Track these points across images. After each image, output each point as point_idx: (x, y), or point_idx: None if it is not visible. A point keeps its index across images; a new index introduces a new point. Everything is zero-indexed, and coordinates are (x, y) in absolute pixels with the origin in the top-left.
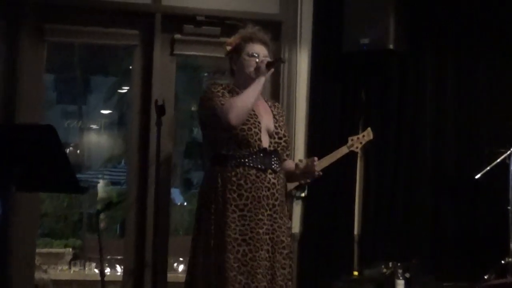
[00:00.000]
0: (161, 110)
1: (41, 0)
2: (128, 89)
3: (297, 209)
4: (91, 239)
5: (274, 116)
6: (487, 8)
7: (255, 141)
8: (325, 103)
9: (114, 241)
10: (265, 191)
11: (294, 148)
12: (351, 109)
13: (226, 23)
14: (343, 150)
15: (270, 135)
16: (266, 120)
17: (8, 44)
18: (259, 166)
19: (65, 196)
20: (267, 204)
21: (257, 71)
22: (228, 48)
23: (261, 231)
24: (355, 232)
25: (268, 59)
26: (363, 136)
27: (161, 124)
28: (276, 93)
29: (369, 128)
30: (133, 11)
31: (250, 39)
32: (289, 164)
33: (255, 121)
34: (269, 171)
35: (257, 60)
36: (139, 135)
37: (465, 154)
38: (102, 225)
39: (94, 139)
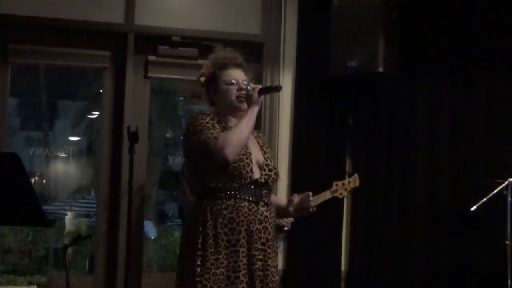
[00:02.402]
0: (134, 137)
1: (4, 19)
2: (98, 114)
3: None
4: (57, 276)
5: (261, 147)
6: (484, 30)
7: (247, 172)
8: (310, 131)
9: (82, 278)
10: (258, 224)
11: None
12: (338, 137)
13: (204, 44)
14: (326, 195)
15: (260, 167)
16: (255, 151)
17: None
18: (251, 198)
19: (29, 230)
20: (260, 238)
21: (249, 99)
22: (203, 79)
23: (254, 267)
24: (342, 268)
25: (260, 86)
26: (349, 182)
27: (134, 152)
28: (257, 119)
29: (356, 175)
30: (104, 31)
31: (224, 65)
32: (275, 198)
33: (246, 151)
34: (261, 203)
35: (237, 87)
36: (110, 164)
37: (460, 185)
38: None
39: (61, 168)
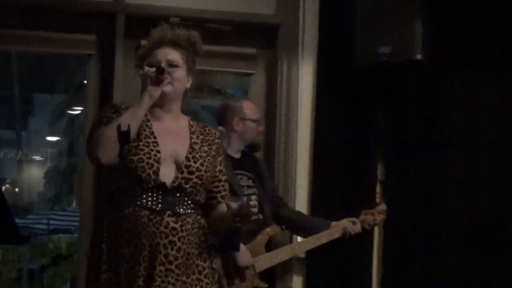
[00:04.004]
0: (125, 137)
1: None
2: (81, 110)
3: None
4: None
5: (191, 144)
6: None
7: (149, 175)
8: (334, 130)
9: None
10: (161, 239)
11: (295, 187)
12: (366, 137)
13: (207, 27)
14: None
15: (178, 168)
16: (174, 148)
17: None
18: (154, 206)
19: None
20: (165, 256)
21: (145, 85)
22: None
23: None
24: None
25: (150, 69)
26: (378, 213)
27: (125, 156)
28: (272, 116)
29: (384, 206)
30: (88, 11)
31: (158, 43)
32: (222, 207)
33: (152, 149)
34: (168, 213)
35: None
36: (96, 169)
37: (506, 198)
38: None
39: (37, 174)
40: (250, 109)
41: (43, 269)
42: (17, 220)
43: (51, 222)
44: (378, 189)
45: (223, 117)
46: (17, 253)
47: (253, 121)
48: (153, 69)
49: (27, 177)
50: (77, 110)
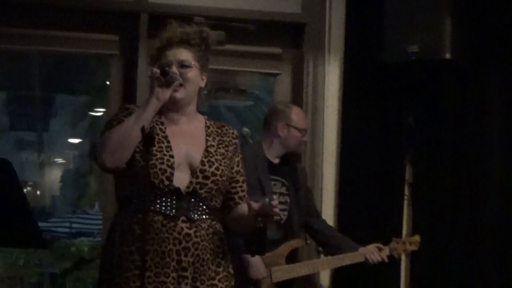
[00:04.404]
0: (149, 139)
1: None
2: (103, 111)
3: None
4: None
5: (207, 147)
6: None
7: (162, 181)
8: (362, 130)
9: None
10: (174, 245)
11: (321, 189)
12: (396, 138)
13: (233, 26)
14: (383, 252)
15: (192, 173)
16: (189, 153)
17: None
18: (168, 212)
19: (20, 252)
20: (176, 262)
21: (151, 88)
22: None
23: None
24: None
25: (156, 69)
26: (410, 244)
27: (149, 157)
28: None
29: (418, 237)
30: (111, 11)
31: (168, 43)
32: (243, 208)
33: (165, 154)
34: (182, 218)
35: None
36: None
37: None
38: None
39: (59, 177)
40: (298, 116)
41: (65, 273)
42: (39, 224)
43: (73, 225)
44: (406, 191)
45: (268, 119)
46: (39, 258)
47: (299, 129)
48: (155, 70)
49: (48, 179)
50: (99, 112)
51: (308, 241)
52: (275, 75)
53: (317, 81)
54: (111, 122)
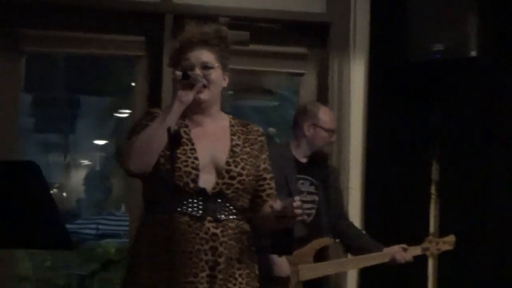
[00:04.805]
0: (175, 140)
1: (16, 0)
2: (129, 113)
3: None
4: None
5: (232, 147)
6: None
7: (187, 183)
8: (387, 129)
9: None
10: (201, 245)
11: (348, 187)
12: (422, 137)
13: (257, 26)
14: (414, 251)
15: (218, 174)
16: (215, 153)
17: None
18: (194, 212)
19: (47, 254)
20: (203, 262)
21: (174, 91)
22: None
23: None
24: None
25: (197, 73)
26: (444, 243)
27: (176, 158)
28: None
29: (453, 237)
30: (136, 12)
31: (188, 44)
32: (268, 207)
33: (190, 157)
34: (208, 218)
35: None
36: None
37: None
38: None
39: (85, 178)
40: (326, 117)
41: (92, 275)
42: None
43: (100, 227)
44: (433, 190)
45: (296, 119)
46: (66, 260)
47: (326, 130)
48: (181, 74)
49: (74, 181)
50: (125, 113)
51: (337, 240)
52: (301, 75)
53: (342, 81)
54: (135, 127)
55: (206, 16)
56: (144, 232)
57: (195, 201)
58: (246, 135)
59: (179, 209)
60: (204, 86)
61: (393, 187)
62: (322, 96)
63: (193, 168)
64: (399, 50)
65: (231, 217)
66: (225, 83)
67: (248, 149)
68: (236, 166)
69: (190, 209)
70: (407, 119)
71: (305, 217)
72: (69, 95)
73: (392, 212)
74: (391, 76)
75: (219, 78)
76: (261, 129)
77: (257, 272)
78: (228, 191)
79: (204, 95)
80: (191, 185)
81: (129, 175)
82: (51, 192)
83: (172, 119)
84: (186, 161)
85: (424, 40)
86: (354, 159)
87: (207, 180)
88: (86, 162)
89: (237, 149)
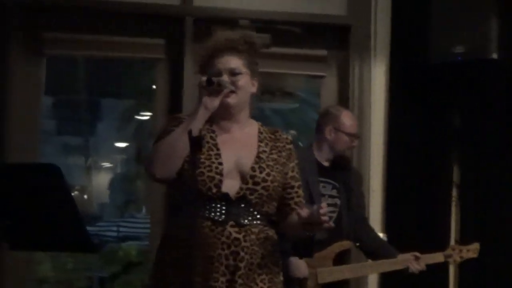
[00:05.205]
0: (197, 143)
1: (38, 3)
2: (150, 115)
3: None
4: None
5: (258, 153)
6: None
7: (210, 188)
8: (408, 132)
9: None
10: (222, 250)
11: (369, 190)
12: (441, 138)
13: (278, 29)
14: (437, 257)
15: (242, 179)
16: (240, 159)
17: None
18: (217, 217)
19: (68, 256)
20: (224, 266)
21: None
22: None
23: None
24: None
25: (224, 79)
26: (468, 250)
27: (197, 161)
28: None
29: (477, 245)
30: (156, 15)
31: (216, 50)
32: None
33: (214, 162)
34: (231, 223)
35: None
36: None
37: None
38: None
39: (106, 181)
40: (348, 121)
41: (113, 277)
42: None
43: (121, 229)
44: (454, 193)
45: (319, 122)
46: (87, 262)
47: (347, 134)
48: (205, 81)
49: (95, 184)
50: (145, 116)
51: (358, 244)
52: (321, 77)
53: (363, 83)
54: (161, 132)
55: (226, 19)
56: (168, 236)
57: (218, 205)
58: (274, 142)
59: (201, 213)
60: (232, 92)
61: (414, 190)
62: (343, 99)
63: (216, 173)
64: (420, 52)
65: (254, 222)
66: (254, 89)
67: (275, 156)
68: (261, 172)
69: (212, 214)
70: (428, 122)
71: (331, 224)
72: (90, 98)
73: (413, 215)
74: (412, 78)
75: (247, 84)
76: (290, 137)
77: (281, 278)
78: (252, 197)
79: (231, 99)
80: (214, 190)
81: (153, 180)
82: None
83: (196, 126)
84: (210, 166)
85: (445, 42)
86: (375, 161)
87: (231, 185)
88: (107, 164)
89: (264, 156)
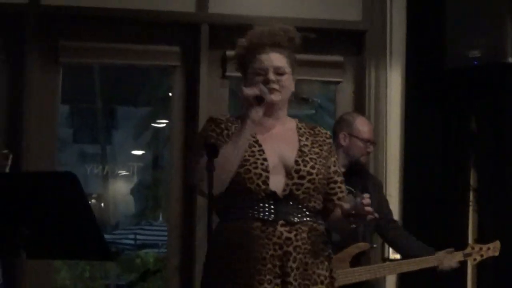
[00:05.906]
0: (212, 150)
1: (54, 11)
2: (166, 123)
3: None
4: None
5: (300, 147)
6: None
7: (258, 185)
8: (424, 136)
9: None
10: (274, 250)
11: (386, 194)
12: (459, 144)
13: None
14: (456, 256)
15: (288, 174)
16: (283, 154)
17: (12, 66)
18: (266, 217)
19: (86, 264)
20: (279, 268)
21: (246, 107)
22: (234, 64)
23: None
24: None
25: (253, 89)
26: (488, 249)
27: (213, 169)
28: None
29: (498, 243)
30: (172, 22)
31: (258, 45)
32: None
33: (258, 158)
34: (281, 222)
35: (263, 78)
36: (183, 183)
37: None
38: None
39: (123, 189)
40: (362, 126)
41: (131, 285)
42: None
43: (138, 237)
44: (471, 197)
45: (334, 128)
46: (104, 270)
47: (361, 140)
48: (254, 94)
49: (112, 192)
50: (162, 123)
51: (375, 245)
52: (337, 83)
53: (378, 88)
54: (199, 139)
55: (241, 26)
56: (217, 240)
57: (266, 205)
58: (313, 137)
59: (250, 214)
60: (277, 91)
61: (431, 194)
62: (359, 104)
63: (263, 169)
64: (435, 57)
65: (304, 219)
66: (293, 87)
67: (317, 149)
68: (305, 166)
69: (262, 214)
70: (445, 126)
71: (376, 215)
72: (106, 106)
73: (430, 220)
74: (428, 83)
75: (290, 83)
76: (328, 132)
77: (335, 276)
78: (299, 192)
79: (275, 97)
80: (263, 187)
81: (204, 197)
82: (89, 202)
83: (245, 140)
84: (255, 162)
85: (460, 46)
86: (391, 166)
87: (276, 182)
88: (124, 172)
89: (306, 149)
